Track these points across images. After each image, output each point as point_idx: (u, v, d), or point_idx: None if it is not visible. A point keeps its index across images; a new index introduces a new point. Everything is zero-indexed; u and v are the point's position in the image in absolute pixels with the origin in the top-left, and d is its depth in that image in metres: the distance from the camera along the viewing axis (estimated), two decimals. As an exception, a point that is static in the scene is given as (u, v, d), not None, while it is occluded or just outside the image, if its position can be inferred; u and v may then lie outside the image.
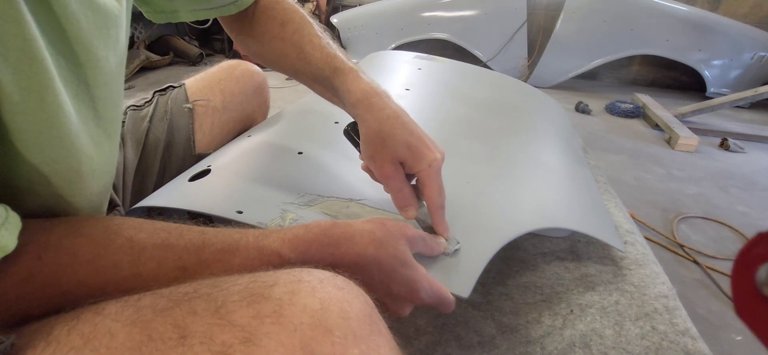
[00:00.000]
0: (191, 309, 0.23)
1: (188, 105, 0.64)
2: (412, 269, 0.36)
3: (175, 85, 0.67)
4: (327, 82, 0.47)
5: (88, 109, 0.30)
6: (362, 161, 0.46)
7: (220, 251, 0.31)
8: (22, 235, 0.27)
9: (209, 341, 0.21)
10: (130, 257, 0.29)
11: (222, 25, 0.55)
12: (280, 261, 0.32)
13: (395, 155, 0.41)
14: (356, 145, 0.46)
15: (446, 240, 0.44)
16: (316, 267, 0.32)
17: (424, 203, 0.43)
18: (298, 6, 0.52)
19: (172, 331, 0.22)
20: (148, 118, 0.62)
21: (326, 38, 0.49)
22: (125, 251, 0.29)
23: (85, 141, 0.30)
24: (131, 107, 0.63)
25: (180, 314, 0.23)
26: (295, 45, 0.49)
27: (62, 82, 0.27)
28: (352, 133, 0.46)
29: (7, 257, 0.26)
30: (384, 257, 0.35)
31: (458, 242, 0.44)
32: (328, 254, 0.33)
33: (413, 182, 0.44)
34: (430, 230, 0.44)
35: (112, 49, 0.32)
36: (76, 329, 0.23)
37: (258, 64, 0.70)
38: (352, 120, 0.46)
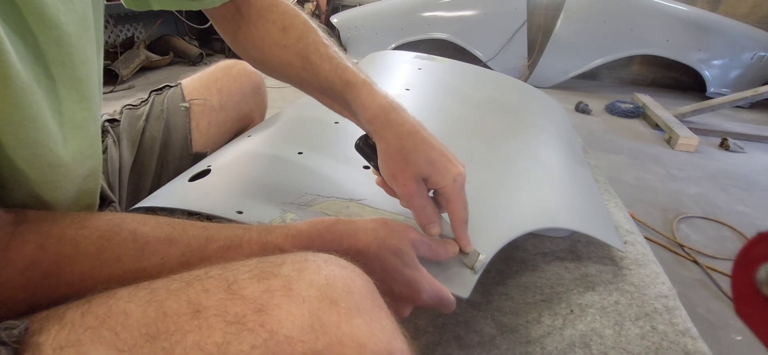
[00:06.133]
0: (204, 288, 0.24)
1: (185, 104, 0.64)
2: (413, 269, 0.36)
3: (172, 84, 0.67)
4: (337, 96, 0.45)
5: (56, 87, 0.29)
6: (376, 176, 0.45)
7: (223, 248, 0.31)
8: (24, 225, 0.27)
9: (223, 313, 0.22)
10: (134, 251, 0.29)
11: (217, 29, 0.53)
12: None
13: (418, 172, 0.39)
14: (370, 159, 0.44)
15: (468, 254, 0.43)
16: None
17: (445, 216, 0.43)
18: (298, 8, 0.50)
19: (186, 307, 0.23)
20: (143, 117, 0.62)
21: (333, 46, 0.47)
22: (129, 245, 0.29)
23: (58, 122, 0.29)
24: (127, 106, 0.63)
25: (193, 292, 0.24)
26: (299, 54, 0.46)
27: (28, 61, 0.26)
28: (364, 147, 0.44)
29: (9, 245, 0.26)
30: (386, 255, 0.35)
31: (480, 254, 0.43)
32: (331, 250, 0.33)
33: (430, 194, 0.43)
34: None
35: (80, 23, 0.31)
36: (89, 312, 0.23)
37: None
38: (363, 133, 0.45)
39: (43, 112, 0.27)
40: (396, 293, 0.36)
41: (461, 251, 0.43)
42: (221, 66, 0.70)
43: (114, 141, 0.58)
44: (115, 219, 0.30)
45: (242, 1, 0.49)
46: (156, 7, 0.47)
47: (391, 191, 0.43)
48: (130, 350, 0.21)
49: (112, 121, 0.60)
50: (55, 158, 0.29)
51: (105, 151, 0.56)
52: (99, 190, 0.40)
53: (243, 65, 0.71)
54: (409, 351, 0.25)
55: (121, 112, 0.62)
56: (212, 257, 0.31)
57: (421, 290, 0.36)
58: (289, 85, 0.50)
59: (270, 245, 0.33)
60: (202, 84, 0.67)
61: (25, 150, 0.27)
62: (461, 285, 0.41)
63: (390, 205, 0.49)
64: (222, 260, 0.31)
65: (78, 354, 0.21)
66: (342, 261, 0.27)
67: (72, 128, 0.31)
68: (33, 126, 0.27)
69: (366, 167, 0.56)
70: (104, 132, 0.57)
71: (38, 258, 0.27)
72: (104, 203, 0.47)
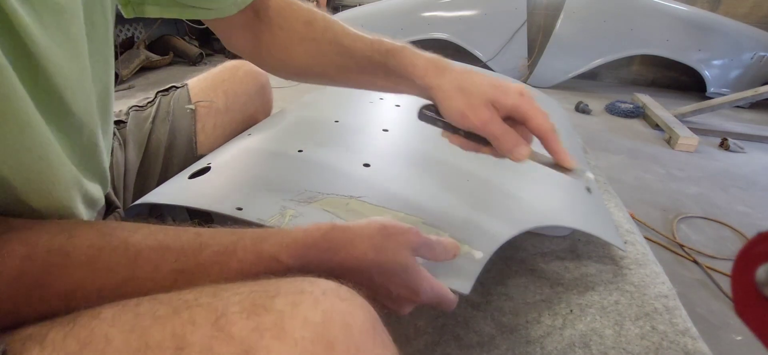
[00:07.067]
0: (190, 318, 0.22)
1: (190, 106, 0.64)
2: (412, 273, 0.35)
3: (178, 85, 0.66)
4: (379, 69, 0.45)
5: (43, 99, 0.29)
6: (449, 139, 0.44)
7: (217, 253, 0.30)
8: (9, 234, 0.26)
9: (207, 354, 0.21)
10: (126, 259, 0.28)
11: (231, 45, 0.50)
12: (279, 266, 0.31)
13: (485, 98, 0.39)
14: (436, 121, 0.44)
15: (573, 170, 0.40)
16: (316, 272, 0.31)
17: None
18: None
19: (170, 340, 0.21)
20: (150, 119, 0.61)
21: (355, 28, 0.47)
22: (120, 254, 0.28)
23: (49, 133, 0.29)
24: (133, 108, 0.62)
25: (179, 323, 0.22)
26: (331, 42, 0.46)
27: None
28: (427, 111, 0.44)
29: None
30: (383, 261, 0.34)
31: (587, 171, 0.40)
32: (327, 259, 0.33)
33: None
34: (552, 166, 0.41)
35: (71, 46, 0.30)
36: (71, 334, 0.22)
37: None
38: (424, 103, 0.45)
39: (37, 126, 0.27)
40: (394, 295, 0.35)
41: (564, 169, 0.40)
42: (228, 67, 0.70)
43: (120, 144, 0.57)
44: (106, 228, 0.30)
45: (260, 4, 0.48)
46: (154, 15, 0.45)
47: (467, 144, 0.43)
48: None
49: (117, 122, 0.59)
50: (44, 168, 0.29)
51: (111, 154, 0.55)
52: (101, 203, 0.40)
53: (249, 66, 0.71)
54: None
55: (127, 114, 0.61)
56: (206, 263, 0.30)
57: (420, 291, 0.35)
58: (289, 85, 0.50)
59: (265, 255, 0.31)
60: (208, 85, 0.66)
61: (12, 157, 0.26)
62: (461, 281, 0.41)
63: (390, 202, 0.49)
64: (216, 266, 0.30)
65: None
66: (343, 290, 0.25)
67: (67, 146, 0.30)
68: (20, 143, 0.26)
69: (366, 165, 0.56)
70: None
71: (26, 269, 0.25)
72: (109, 208, 0.47)
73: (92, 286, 0.27)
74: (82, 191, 0.35)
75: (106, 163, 0.40)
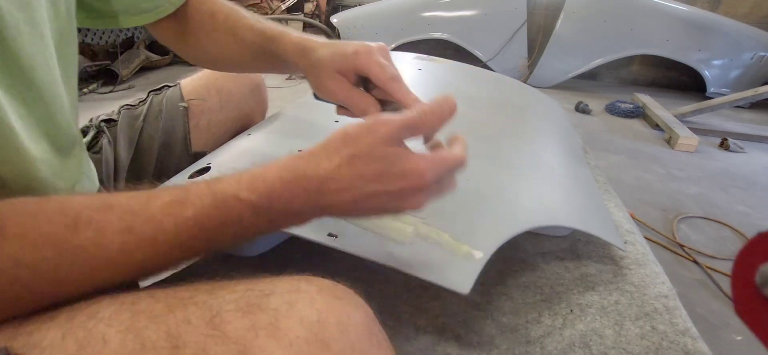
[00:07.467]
0: (185, 317, 0.22)
1: (183, 104, 0.64)
2: (400, 159, 0.31)
3: (170, 84, 0.67)
4: (267, 55, 0.48)
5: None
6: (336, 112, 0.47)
7: (168, 204, 0.28)
8: None
9: (202, 354, 0.21)
10: (64, 226, 0.25)
11: (160, 39, 0.54)
12: (241, 205, 0.28)
13: (332, 70, 0.41)
14: (322, 99, 0.47)
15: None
16: (291, 206, 0.29)
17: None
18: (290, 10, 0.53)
19: (165, 340, 0.21)
20: (141, 118, 0.62)
21: (257, 17, 0.50)
22: (57, 220, 0.26)
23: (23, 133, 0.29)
24: (125, 106, 0.63)
25: (174, 321, 0.22)
26: (228, 31, 0.50)
27: None
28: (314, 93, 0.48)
29: None
30: (361, 166, 0.30)
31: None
32: (302, 189, 0.29)
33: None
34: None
35: (29, 11, 0.30)
36: (70, 334, 0.22)
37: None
38: None
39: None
40: (397, 190, 0.30)
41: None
42: None
43: (109, 141, 0.57)
44: (44, 197, 0.27)
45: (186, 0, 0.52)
46: (123, 25, 0.48)
47: (345, 112, 0.44)
48: None
49: (108, 121, 0.60)
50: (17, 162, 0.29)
51: (99, 151, 0.56)
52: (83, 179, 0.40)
53: None
54: None
55: (118, 112, 0.62)
56: (157, 215, 0.27)
57: (421, 171, 0.30)
58: (287, 85, 0.52)
59: (220, 194, 0.28)
60: (202, 84, 0.67)
61: None
62: (461, 282, 0.41)
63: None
64: (169, 218, 0.27)
65: None
66: (339, 290, 0.24)
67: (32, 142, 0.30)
68: None
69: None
70: (99, 132, 0.57)
71: None
72: None
73: (32, 258, 0.25)
74: (60, 174, 0.35)
75: (81, 144, 0.40)
